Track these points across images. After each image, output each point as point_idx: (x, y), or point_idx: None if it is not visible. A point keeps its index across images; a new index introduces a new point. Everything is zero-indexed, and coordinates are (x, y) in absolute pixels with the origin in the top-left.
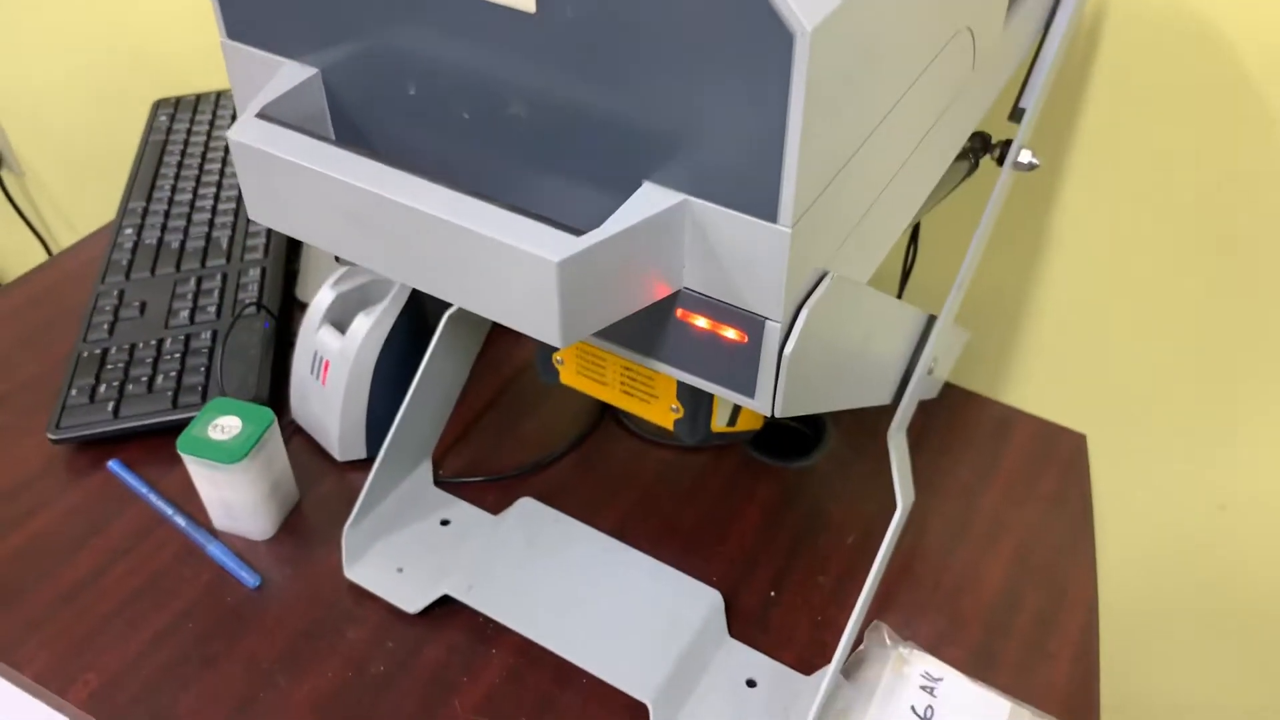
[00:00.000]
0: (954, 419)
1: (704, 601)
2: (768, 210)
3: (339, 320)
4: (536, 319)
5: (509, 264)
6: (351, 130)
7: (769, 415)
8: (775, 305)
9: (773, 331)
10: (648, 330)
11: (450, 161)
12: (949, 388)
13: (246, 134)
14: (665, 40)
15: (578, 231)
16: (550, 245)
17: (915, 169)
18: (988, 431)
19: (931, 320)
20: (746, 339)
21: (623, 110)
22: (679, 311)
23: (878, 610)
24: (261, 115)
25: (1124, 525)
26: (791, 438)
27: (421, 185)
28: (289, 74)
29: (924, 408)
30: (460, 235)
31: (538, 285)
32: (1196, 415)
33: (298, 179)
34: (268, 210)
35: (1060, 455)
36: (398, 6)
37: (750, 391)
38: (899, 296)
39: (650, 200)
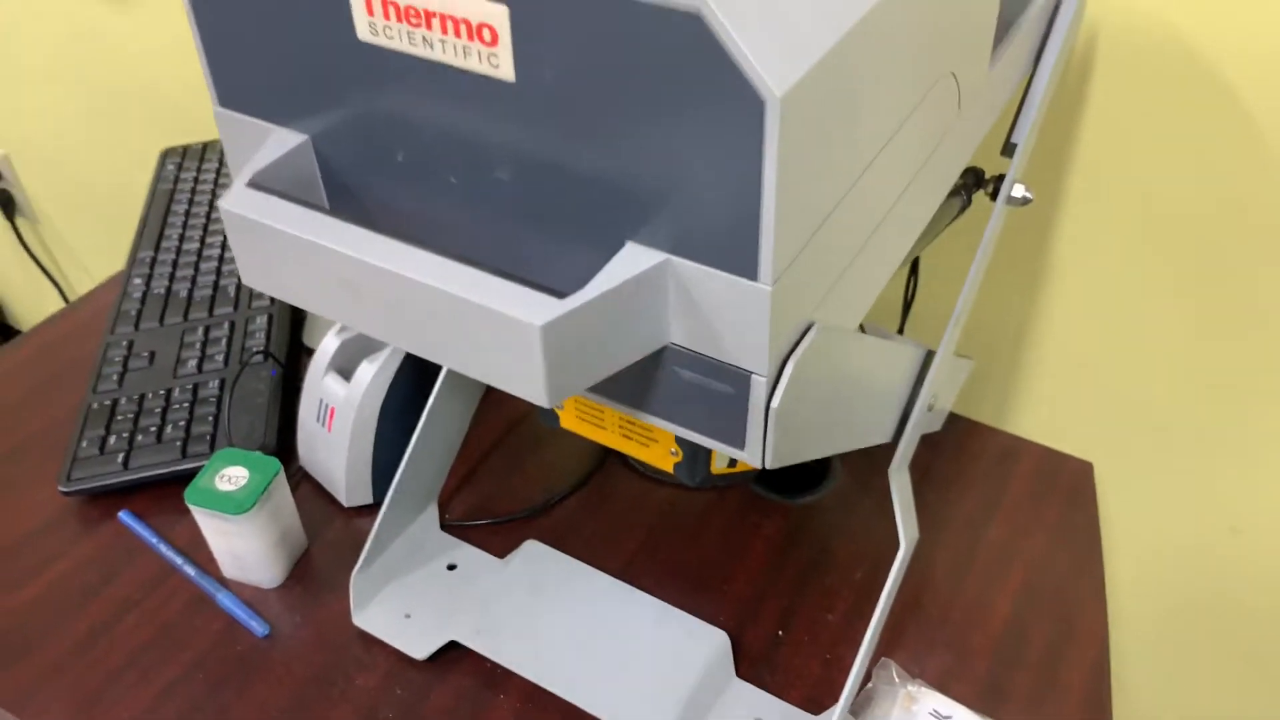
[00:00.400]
0: (959, 450)
1: (710, 642)
2: (748, 269)
3: (344, 367)
4: (522, 380)
5: (493, 328)
6: (344, 193)
7: (760, 467)
8: (760, 360)
9: (759, 385)
10: (637, 384)
11: (441, 222)
12: (954, 418)
13: (237, 203)
14: (640, 106)
15: (561, 294)
16: (532, 309)
17: (902, 214)
18: (992, 462)
19: (929, 356)
20: (734, 392)
21: (603, 173)
22: (666, 366)
23: (886, 647)
24: (252, 184)
25: (1135, 551)
26: (797, 473)
27: (407, 251)
28: (280, 140)
29: (928, 440)
30: (445, 300)
31: (522, 348)
32: (1205, 438)
33: (287, 247)
34: (260, 276)
35: (1066, 484)
36: (383, 77)
37: (740, 444)
38: (900, 329)
39: (632, 261)
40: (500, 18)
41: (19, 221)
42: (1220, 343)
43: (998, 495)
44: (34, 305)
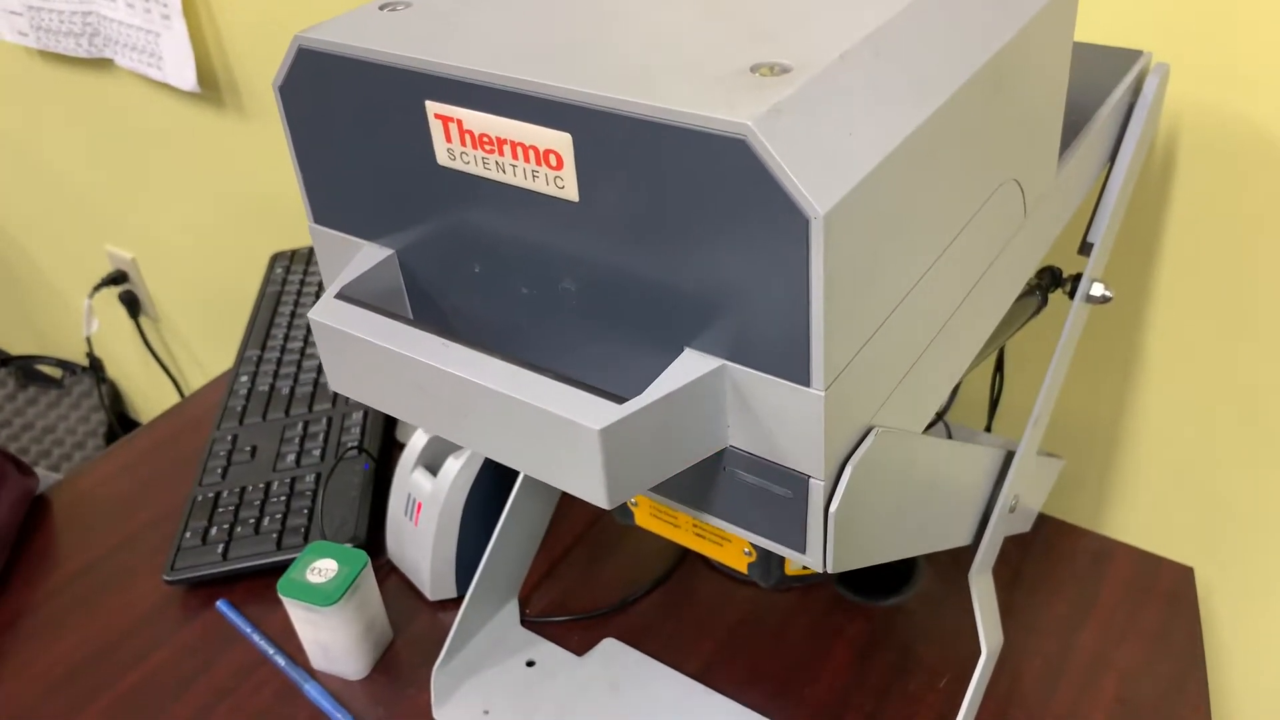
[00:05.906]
0: (1049, 551)
1: None
2: (800, 375)
3: (431, 462)
4: (583, 482)
5: (555, 431)
6: (426, 301)
7: (822, 571)
8: (816, 464)
9: (817, 489)
10: (700, 485)
11: (515, 328)
12: (1044, 518)
13: (325, 314)
14: (694, 223)
15: (620, 399)
16: (592, 414)
17: (968, 317)
18: (1084, 564)
19: (1009, 456)
20: (792, 496)
21: (662, 284)
22: (726, 468)
23: None
24: (340, 296)
25: (1243, 664)
26: (881, 573)
27: (474, 358)
28: (368, 254)
29: (1017, 540)
30: (509, 404)
31: (582, 451)
32: None
33: (366, 353)
34: (345, 381)
35: (1163, 589)
36: (461, 198)
37: (801, 547)
38: (988, 425)
39: (690, 366)
40: (564, 144)
41: (142, 320)
42: None
43: (1090, 600)
44: (154, 398)
